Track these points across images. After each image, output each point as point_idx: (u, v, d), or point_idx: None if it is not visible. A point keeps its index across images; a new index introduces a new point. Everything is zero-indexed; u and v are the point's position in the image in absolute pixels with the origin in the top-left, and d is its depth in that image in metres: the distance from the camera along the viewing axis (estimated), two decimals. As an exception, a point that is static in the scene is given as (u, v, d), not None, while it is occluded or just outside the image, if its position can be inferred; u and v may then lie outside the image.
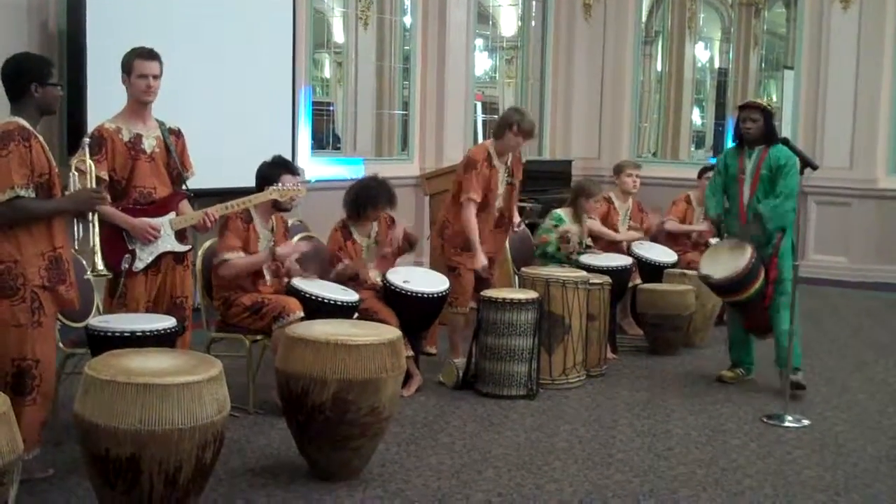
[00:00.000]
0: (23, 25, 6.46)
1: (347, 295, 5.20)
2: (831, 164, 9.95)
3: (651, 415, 5.38)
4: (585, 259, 6.67)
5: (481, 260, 5.93)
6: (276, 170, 5.23)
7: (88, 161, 4.21)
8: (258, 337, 5.13)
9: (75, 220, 4.08)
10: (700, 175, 7.90)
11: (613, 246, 7.17)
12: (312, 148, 9.04)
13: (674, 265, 7.27)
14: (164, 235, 4.57)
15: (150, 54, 4.53)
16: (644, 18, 12.26)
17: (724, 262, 5.75)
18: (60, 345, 4.55)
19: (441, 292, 5.64)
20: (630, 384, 6.03)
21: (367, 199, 5.72)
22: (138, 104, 4.57)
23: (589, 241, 6.97)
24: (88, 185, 4.16)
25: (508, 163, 6.11)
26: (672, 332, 6.83)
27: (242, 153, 7.21)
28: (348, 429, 4.09)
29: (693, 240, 7.80)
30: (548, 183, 9.68)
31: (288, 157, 7.59)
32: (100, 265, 4.13)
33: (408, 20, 10.16)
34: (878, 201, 10.27)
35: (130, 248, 4.49)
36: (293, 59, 8.18)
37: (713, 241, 6.75)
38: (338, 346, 4.06)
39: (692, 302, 6.87)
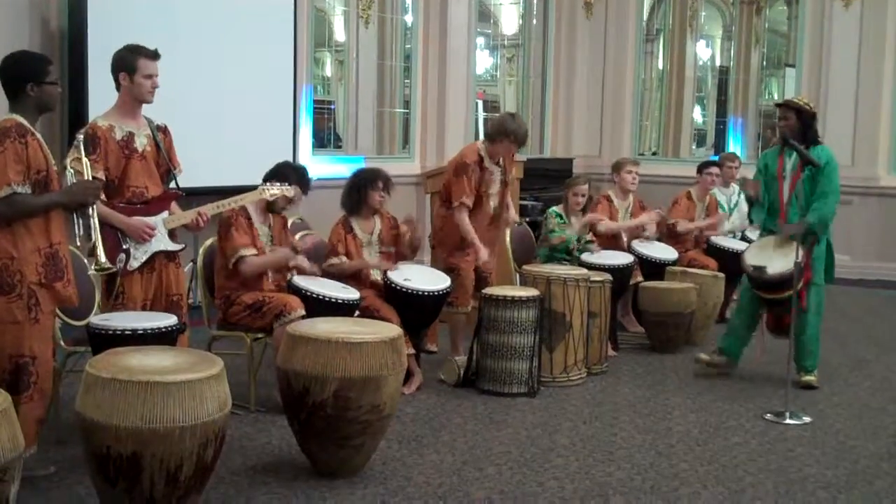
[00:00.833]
0: (24, 23, 6.47)
1: (348, 293, 5.20)
2: (833, 162, 9.97)
3: (652, 412, 5.38)
4: (587, 257, 6.68)
5: (483, 254, 5.92)
6: (281, 171, 5.23)
7: (84, 159, 4.20)
8: (259, 335, 5.13)
9: (74, 216, 4.03)
10: (700, 170, 7.88)
11: (612, 241, 7.16)
12: (314, 146, 9.06)
13: (675, 262, 7.27)
14: (158, 234, 4.56)
15: (155, 54, 4.51)
16: (645, 16, 12.25)
17: (774, 257, 5.77)
18: (62, 343, 4.55)
19: (442, 290, 5.64)
20: (631, 382, 6.04)
21: (363, 180, 5.70)
22: (135, 103, 4.53)
23: (589, 235, 6.97)
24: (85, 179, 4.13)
25: (501, 162, 6.11)
26: (673, 330, 6.82)
27: (243, 151, 7.25)
28: (349, 426, 4.09)
29: (695, 237, 7.78)
30: (549, 181, 9.66)
31: (289, 155, 7.66)
32: (102, 258, 4.09)
33: (409, 18, 10.17)
34: (880, 199, 10.28)
35: (125, 247, 4.46)
36: (294, 57, 8.19)
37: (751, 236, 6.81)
38: (339, 344, 4.06)
39: (693, 300, 6.87)
